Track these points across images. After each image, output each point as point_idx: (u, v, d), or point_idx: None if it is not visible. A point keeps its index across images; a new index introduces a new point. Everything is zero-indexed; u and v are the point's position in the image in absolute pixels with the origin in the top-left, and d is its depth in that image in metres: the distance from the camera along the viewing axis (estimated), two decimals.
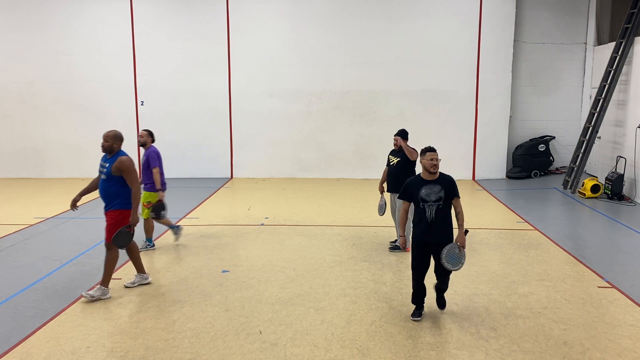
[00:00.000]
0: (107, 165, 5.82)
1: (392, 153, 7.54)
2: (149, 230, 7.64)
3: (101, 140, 5.83)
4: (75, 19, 13.27)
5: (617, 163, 11.02)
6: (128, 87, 13.48)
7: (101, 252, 7.52)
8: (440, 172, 5.16)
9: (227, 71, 13.35)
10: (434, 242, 5.09)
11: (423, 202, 5.06)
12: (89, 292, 5.81)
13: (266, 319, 5.31)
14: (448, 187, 5.10)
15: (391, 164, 7.46)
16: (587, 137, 11.75)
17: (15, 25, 13.31)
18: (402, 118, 13.02)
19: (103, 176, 5.85)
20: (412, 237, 5.26)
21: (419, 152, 5.23)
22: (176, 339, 4.91)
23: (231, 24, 13.16)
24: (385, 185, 7.63)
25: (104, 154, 5.92)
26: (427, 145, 5.24)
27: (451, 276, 5.38)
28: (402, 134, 7.45)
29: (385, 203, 7.71)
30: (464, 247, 5.04)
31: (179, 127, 13.53)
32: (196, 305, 5.66)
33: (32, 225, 8.99)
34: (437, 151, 5.16)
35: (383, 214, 7.78)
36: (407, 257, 7.17)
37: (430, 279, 5.33)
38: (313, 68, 13.23)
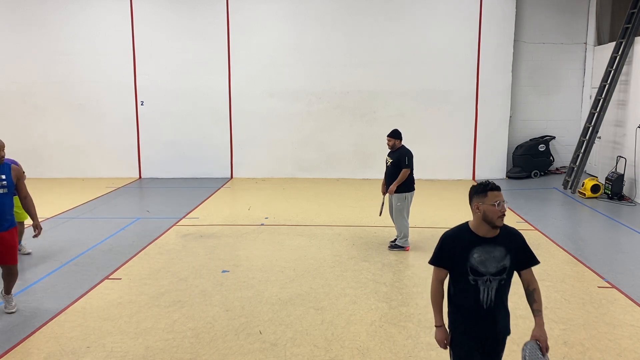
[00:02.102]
0: (5, 177, 5.10)
1: (389, 154, 7.55)
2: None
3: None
4: (75, 19, 13.26)
5: (617, 163, 11.02)
6: (128, 87, 13.47)
7: (102, 252, 7.55)
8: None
9: (227, 71, 13.34)
10: (490, 337, 3.22)
11: (475, 276, 3.08)
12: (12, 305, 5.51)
13: (266, 319, 5.31)
14: (517, 250, 3.15)
15: (388, 165, 7.47)
16: (587, 137, 11.74)
17: (15, 25, 13.30)
18: (402, 118, 13.01)
19: (2, 190, 5.10)
20: (453, 327, 3.26)
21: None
22: (176, 339, 4.91)
23: (231, 24, 13.16)
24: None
25: None
26: (483, 180, 3.18)
27: None
28: (396, 135, 7.41)
29: (383, 203, 7.76)
30: (547, 349, 3.15)
31: (179, 127, 13.53)
32: (196, 305, 5.65)
33: (31, 225, 8.96)
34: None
35: (381, 215, 7.89)
36: (407, 257, 7.18)
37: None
38: (313, 68, 13.22)
